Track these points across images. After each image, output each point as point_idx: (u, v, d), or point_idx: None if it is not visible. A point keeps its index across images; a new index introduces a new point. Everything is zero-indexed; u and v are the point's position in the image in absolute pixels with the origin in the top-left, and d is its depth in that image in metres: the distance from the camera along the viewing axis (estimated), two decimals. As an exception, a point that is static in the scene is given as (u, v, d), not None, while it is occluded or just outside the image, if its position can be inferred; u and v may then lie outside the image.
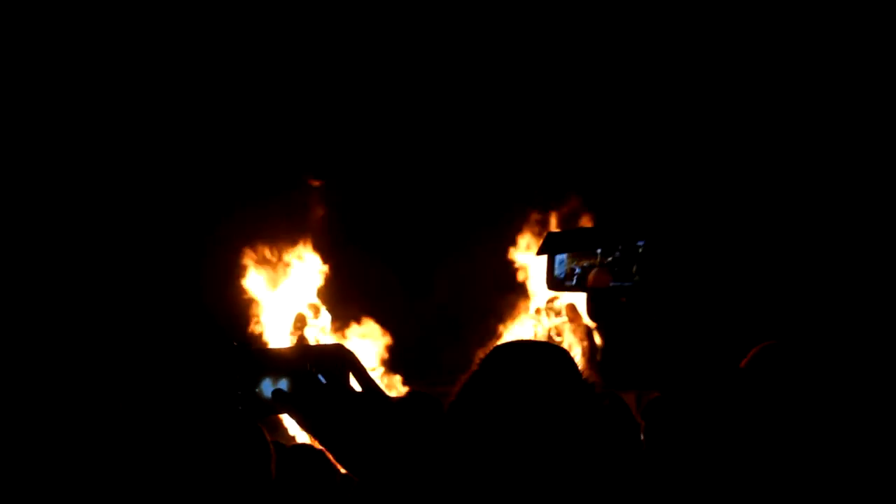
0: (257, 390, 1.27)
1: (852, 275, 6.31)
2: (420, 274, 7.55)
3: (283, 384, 1.26)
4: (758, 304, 5.87)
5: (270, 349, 1.31)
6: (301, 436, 5.71)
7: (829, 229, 6.56)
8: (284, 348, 1.29)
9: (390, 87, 7.57)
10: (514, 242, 6.80)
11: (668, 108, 7.14)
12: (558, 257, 1.51)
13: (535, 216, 7.15)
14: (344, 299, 7.28)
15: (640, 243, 1.46)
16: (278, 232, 7.19)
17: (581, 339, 6.23)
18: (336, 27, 7.41)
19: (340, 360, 1.26)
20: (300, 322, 6.77)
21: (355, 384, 1.28)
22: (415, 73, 7.52)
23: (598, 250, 1.44)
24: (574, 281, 1.50)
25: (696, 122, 7.09)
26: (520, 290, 6.76)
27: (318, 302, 7.11)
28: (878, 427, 1.75)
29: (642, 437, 1.71)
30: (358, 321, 7.17)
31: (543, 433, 1.50)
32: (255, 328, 6.46)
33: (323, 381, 1.25)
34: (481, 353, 1.79)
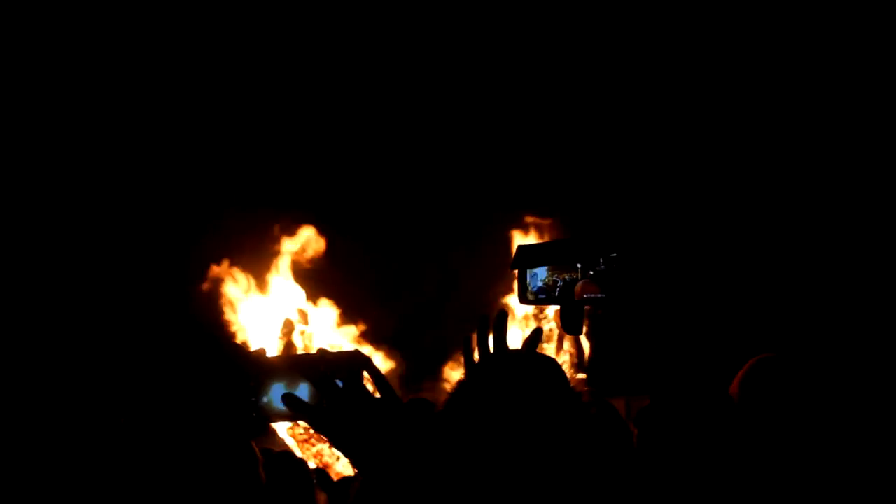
0: (268, 398, 1.29)
1: (839, 282, 6.37)
2: (408, 282, 7.55)
3: (303, 390, 1.28)
4: (746, 311, 5.90)
5: (281, 356, 1.34)
6: (290, 442, 5.71)
7: (814, 235, 6.62)
8: (297, 355, 1.32)
9: (378, 90, 7.57)
10: (502, 251, 6.82)
11: (643, 118, 7.18)
12: (534, 271, 1.53)
13: (520, 224, 7.18)
14: (333, 305, 7.27)
15: (613, 255, 1.49)
16: (265, 240, 7.18)
17: (568, 347, 6.28)
18: (324, 30, 7.41)
19: (358, 365, 1.29)
20: (288, 327, 6.77)
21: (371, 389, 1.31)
22: (402, 78, 7.52)
23: (579, 264, 1.47)
24: (556, 293, 1.52)
25: (671, 132, 7.13)
26: (507, 299, 6.79)
27: (305, 307, 7.10)
28: (871, 439, 1.79)
29: (635, 444, 1.74)
30: (347, 326, 7.17)
31: (530, 443, 1.53)
32: (242, 334, 6.45)
33: (340, 385, 1.28)
34: (470, 364, 1.81)
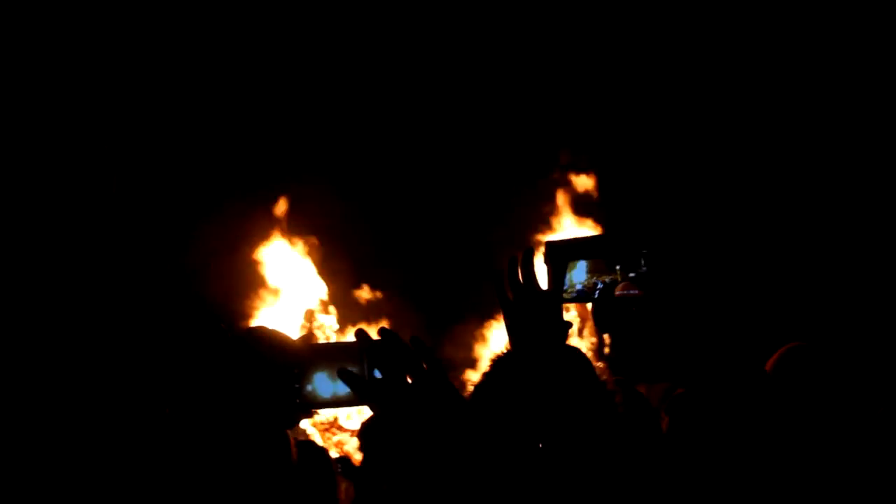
0: (312, 385, 1.31)
1: (871, 273, 6.31)
2: (428, 269, 7.53)
3: (349, 373, 1.30)
4: (777, 302, 5.86)
5: (325, 343, 1.37)
6: (311, 431, 5.75)
7: (848, 227, 6.56)
8: (342, 342, 1.34)
9: (394, 81, 7.51)
10: (521, 240, 6.79)
11: (669, 113, 7.10)
12: (572, 271, 1.54)
13: (542, 215, 7.15)
14: (352, 296, 7.30)
15: (645, 252, 1.50)
16: (287, 229, 7.21)
17: (588, 336, 6.27)
18: (326, 27, 7.34)
19: (409, 347, 1.31)
20: (309, 318, 6.82)
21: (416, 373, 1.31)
22: (419, 65, 7.43)
23: (618, 266, 1.49)
24: (596, 294, 1.54)
25: (699, 127, 7.06)
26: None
27: (326, 297, 7.14)
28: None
29: (664, 431, 1.73)
30: (367, 319, 7.20)
31: (556, 431, 1.53)
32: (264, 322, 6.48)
33: (384, 370, 1.29)
34: (493, 355, 1.81)
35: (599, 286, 1.53)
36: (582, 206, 7.16)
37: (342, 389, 1.32)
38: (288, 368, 1.32)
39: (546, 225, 7.09)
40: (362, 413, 5.08)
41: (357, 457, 5.40)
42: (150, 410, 1.48)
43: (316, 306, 7.11)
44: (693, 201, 6.87)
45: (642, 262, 1.50)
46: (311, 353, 1.34)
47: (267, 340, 1.47)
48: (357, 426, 6.36)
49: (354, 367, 1.31)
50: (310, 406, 1.34)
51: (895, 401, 1.86)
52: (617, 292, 1.51)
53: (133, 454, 1.45)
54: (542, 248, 1.65)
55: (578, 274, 1.54)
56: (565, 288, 1.54)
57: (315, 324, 6.87)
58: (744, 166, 6.94)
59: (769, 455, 1.63)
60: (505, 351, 1.64)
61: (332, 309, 7.20)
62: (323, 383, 1.33)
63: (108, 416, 1.45)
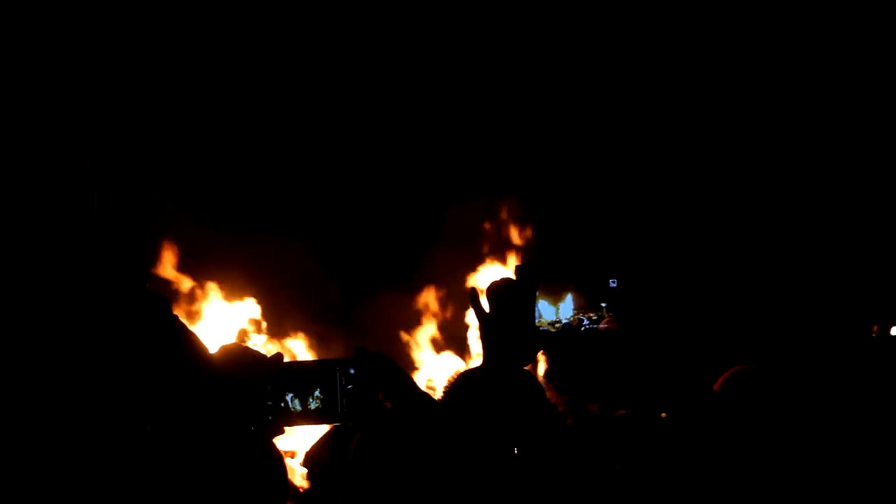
0: (284, 401, 1.34)
1: (821, 301, 6.51)
2: (370, 289, 7.47)
3: (317, 394, 1.33)
4: (729, 326, 5.96)
5: (297, 361, 1.39)
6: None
7: (797, 256, 6.77)
8: (313, 360, 1.37)
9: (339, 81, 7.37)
10: (468, 260, 6.80)
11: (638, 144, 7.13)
12: (559, 305, 1.63)
13: (495, 237, 7.15)
14: (284, 311, 7.19)
15: (613, 283, 1.60)
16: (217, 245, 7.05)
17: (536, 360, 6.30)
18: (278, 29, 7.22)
19: (380, 367, 1.35)
20: (242, 337, 6.68)
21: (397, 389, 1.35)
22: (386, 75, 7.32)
23: (604, 304, 1.59)
24: (581, 329, 1.63)
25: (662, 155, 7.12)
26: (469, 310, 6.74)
27: (258, 315, 7.01)
28: (848, 451, 1.88)
29: (608, 452, 1.80)
30: (297, 334, 7.11)
31: (509, 455, 1.58)
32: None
33: (356, 388, 1.33)
34: (446, 381, 1.85)
35: (585, 322, 1.62)
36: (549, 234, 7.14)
37: (313, 406, 1.36)
38: (261, 386, 1.35)
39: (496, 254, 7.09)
40: (300, 434, 5.02)
41: (296, 480, 5.31)
42: (131, 429, 1.46)
43: (247, 325, 6.98)
44: (659, 229, 6.94)
45: (611, 288, 1.60)
46: (283, 371, 1.38)
47: (239, 357, 1.47)
48: (291, 446, 6.25)
49: (327, 384, 1.35)
50: (283, 423, 1.37)
51: (841, 424, 1.97)
52: (601, 327, 1.60)
53: (116, 474, 1.43)
54: (514, 270, 1.72)
55: (565, 309, 1.62)
56: (552, 321, 1.61)
57: (248, 342, 6.74)
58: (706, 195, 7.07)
59: (714, 477, 1.71)
60: (472, 367, 1.69)
61: (264, 326, 7.07)
62: (295, 400, 1.36)
63: (89, 434, 1.42)
